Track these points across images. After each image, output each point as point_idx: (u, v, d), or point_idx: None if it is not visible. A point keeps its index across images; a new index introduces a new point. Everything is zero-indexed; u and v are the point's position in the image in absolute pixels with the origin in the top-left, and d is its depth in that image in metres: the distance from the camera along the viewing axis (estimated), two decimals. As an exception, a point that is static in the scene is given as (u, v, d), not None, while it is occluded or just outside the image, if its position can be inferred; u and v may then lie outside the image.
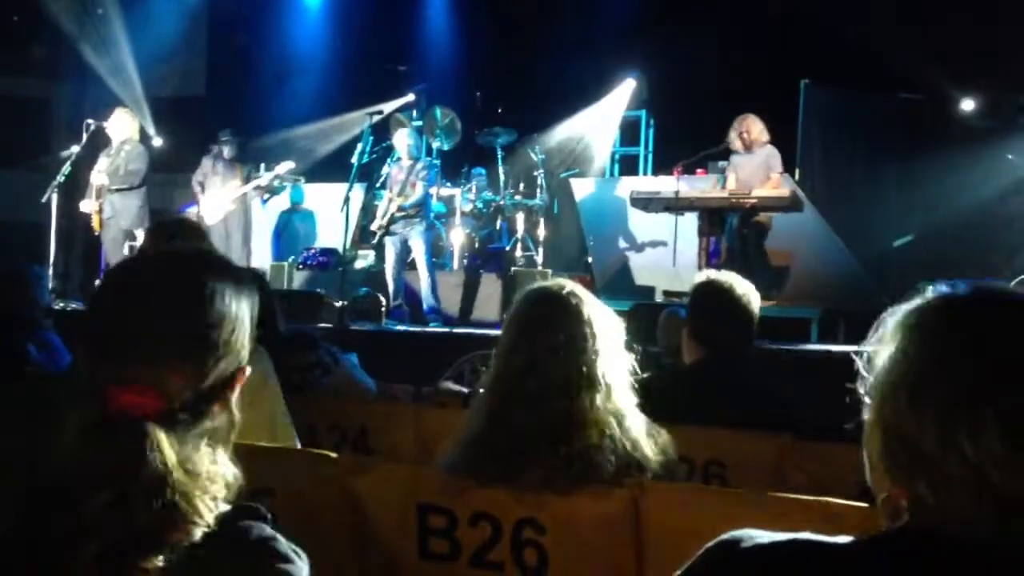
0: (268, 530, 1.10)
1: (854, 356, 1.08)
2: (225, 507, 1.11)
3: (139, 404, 1.09)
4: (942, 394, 0.97)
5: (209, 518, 1.08)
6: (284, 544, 1.10)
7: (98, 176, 8.06)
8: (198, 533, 1.07)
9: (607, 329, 2.00)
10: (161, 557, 1.04)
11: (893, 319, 1.04)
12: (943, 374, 0.98)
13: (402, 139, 8.06)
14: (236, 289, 1.19)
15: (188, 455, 1.10)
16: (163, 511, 1.04)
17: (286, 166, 8.83)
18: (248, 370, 1.21)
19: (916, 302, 1.04)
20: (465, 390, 4.25)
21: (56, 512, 1.04)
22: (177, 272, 1.18)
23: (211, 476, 1.10)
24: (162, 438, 1.07)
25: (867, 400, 1.06)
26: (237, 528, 1.09)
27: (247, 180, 8.69)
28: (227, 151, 8.73)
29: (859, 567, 1.00)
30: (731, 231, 7.31)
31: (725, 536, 1.08)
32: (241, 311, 1.19)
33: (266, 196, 9.72)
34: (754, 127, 7.24)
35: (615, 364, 1.98)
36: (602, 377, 1.92)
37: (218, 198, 8.59)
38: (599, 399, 1.91)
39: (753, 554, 1.03)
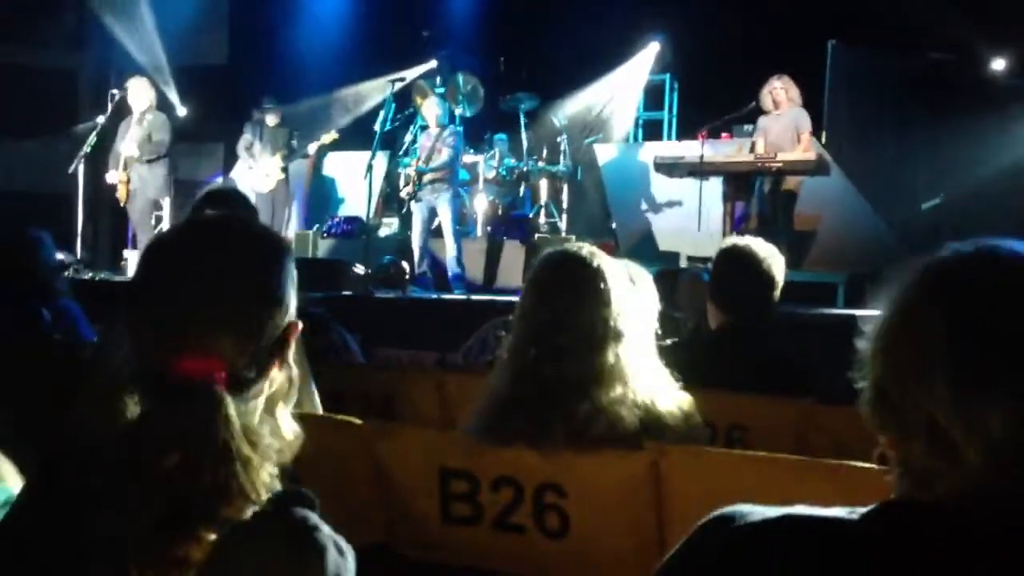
0: (314, 518, 1.09)
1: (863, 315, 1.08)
2: (277, 487, 1.11)
3: (203, 369, 1.10)
4: (908, 340, 0.98)
5: (264, 492, 1.08)
6: (327, 534, 1.08)
7: (127, 146, 8.10)
8: (250, 509, 1.07)
9: (627, 287, 2.02)
10: (215, 529, 1.04)
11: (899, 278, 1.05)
12: (906, 323, 0.99)
13: (431, 108, 8.04)
14: (278, 248, 1.21)
15: (251, 423, 1.11)
16: (224, 480, 1.05)
17: (331, 136, 8.83)
18: (300, 324, 1.22)
19: (917, 261, 1.05)
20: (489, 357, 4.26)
21: (107, 470, 1.05)
22: (221, 235, 1.20)
23: (273, 444, 1.12)
24: (229, 403, 1.09)
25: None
26: (288, 514, 1.08)
27: (290, 147, 8.73)
28: (270, 118, 8.77)
29: (854, 542, 0.99)
30: (761, 195, 7.25)
31: (716, 514, 1.07)
32: (285, 268, 1.20)
33: (318, 164, 9.78)
34: (791, 87, 7.15)
35: (637, 320, 2.00)
36: (624, 332, 1.94)
37: (266, 166, 8.64)
38: (623, 353, 1.93)
39: (746, 533, 1.02)
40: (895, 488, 1.01)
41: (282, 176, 8.69)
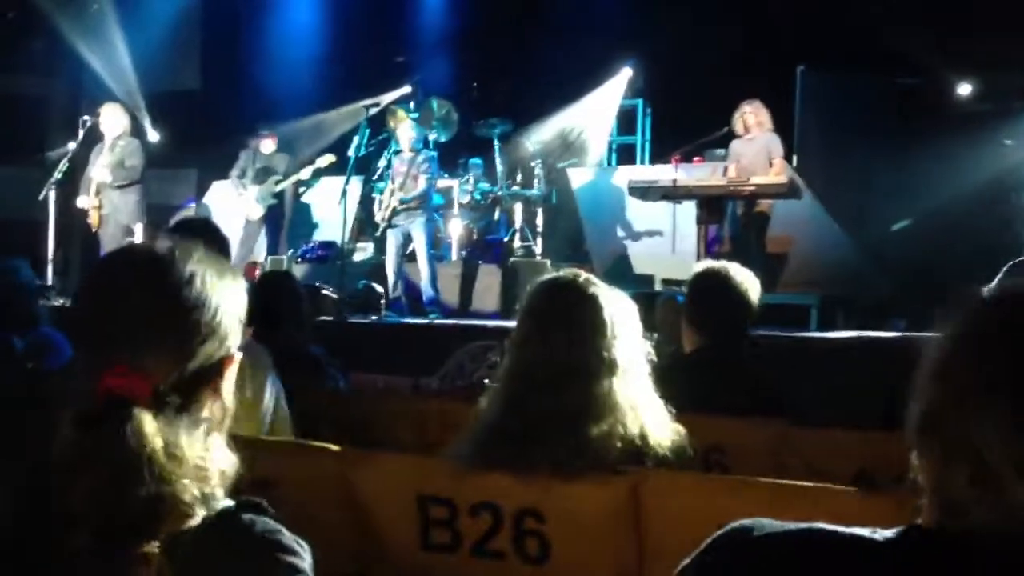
0: (272, 523, 1.11)
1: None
2: (228, 501, 1.12)
3: (124, 385, 1.10)
4: (964, 370, 0.97)
5: (200, 507, 1.09)
6: (288, 536, 1.11)
7: (99, 172, 8.05)
8: (193, 522, 1.08)
9: (622, 316, 2.01)
10: (156, 543, 1.05)
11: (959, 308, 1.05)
12: (970, 351, 0.98)
13: (405, 132, 8.06)
14: (217, 276, 1.20)
15: (176, 441, 1.11)
16: (151, 497, 1.06)
17: (327, 159, 8.82)
18: (238, 357, 1.22)
19: (975, 293, 1.05)
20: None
21: (51, 499, 1.07)
22: (153, 259, 1.20)
23: (201, 464, 1.12)
24: (146, 420, 1.09)
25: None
26: (240, 521, 1.10)
27: (286, 174, 8.69)
28: (265, 145, 8.75)
29: (882, 562, 0.98)
30: (733, 219, 7.31)
31: (735, 524, 1.06)
32: (222, 298, 1.19)
33: (301, 189, 9.75)
34: (761, 112, 7.24)
35: (632, 349, 1.99)
36: (619, 363, 1.93)
37: (257, 194, 8.60)
38: (615, 385, 1.92)
39: (765, 544, 1.02)
40: (925, 514, 1.00)
41: (274, 202, 8.67)
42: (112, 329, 1.15)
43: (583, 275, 2.03)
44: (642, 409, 1.95)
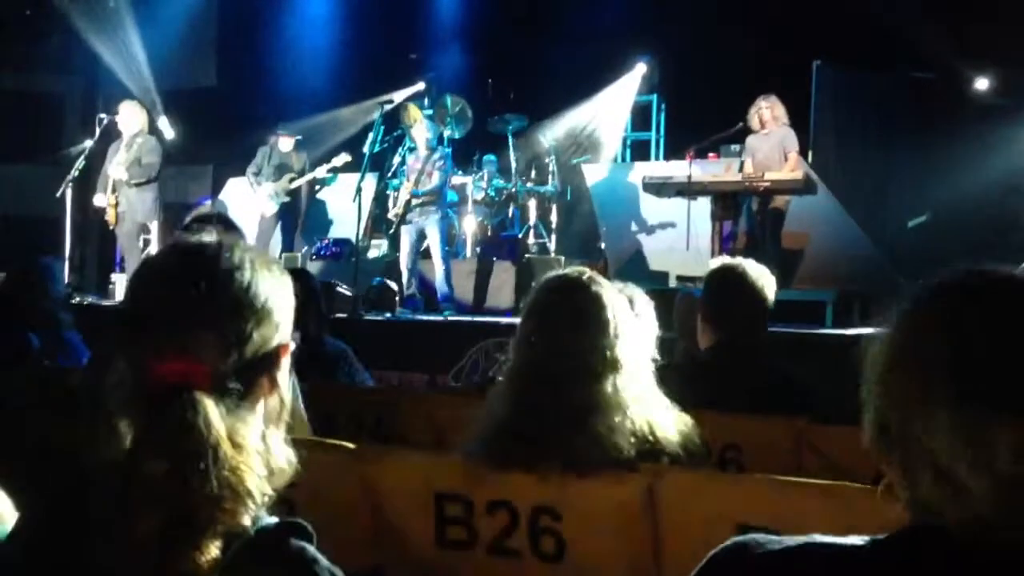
0: (311, 550, 1.08)
1: (861, 339, 1.07)
2: (270, 518, 1.10)
3: (182, 372, 1.09)
4: (910, 373, 0.97)
5: (253, 504, 1.07)
6: (326, 565, 1.08)
7: (115, 170, 8.09)
8: (247, 516, 1.06)
9: (627, 313, 2.01)
10: (219, 543, 1.03)
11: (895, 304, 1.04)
12: (906, 352, 0.98)
13: (420, 130, 8.07)
14: (265, 266, 1.20)
15: (237, 428, 1.09)
16: (218, 485, 1.04)
17: (343, 159, 8.85)
18: (293, 346, 1.22)
19: (910, 287, 1.04)
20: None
21: (103, 492, 1.04)
22: (200, 250, 1.20)
23: (263, 453, 1.10)
24: (210, 405, 1.08)
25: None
26: (282, 543, 1.07)
27: (302, 172, 8.75)
28: (283, 143, 8.80)
29: (873, 571, 0.98)
30: (748, 215, 7.28)
31: (732, 542, 1.06)
32: (272, 286, 1.19)
33: (317, 187, 9.80)
34: (777, 106, 7.21)
35: (636, 347, 1.99)
36: (623, 360, 1.93)
37: (271, 190, 8.67)
38: (620, 382, 1.92)
39: (764, 563, 1.01)
40: (909, 516, 0.99)
41: (288, 199, 8.72)
42: (161, 316, 1.13)
43: (587, 272, 2.03)
44: (647, 405, 1.96)
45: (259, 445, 1.11)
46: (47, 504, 1.10)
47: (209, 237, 1.21)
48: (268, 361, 1.17)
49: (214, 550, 1.03)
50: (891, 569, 0.97)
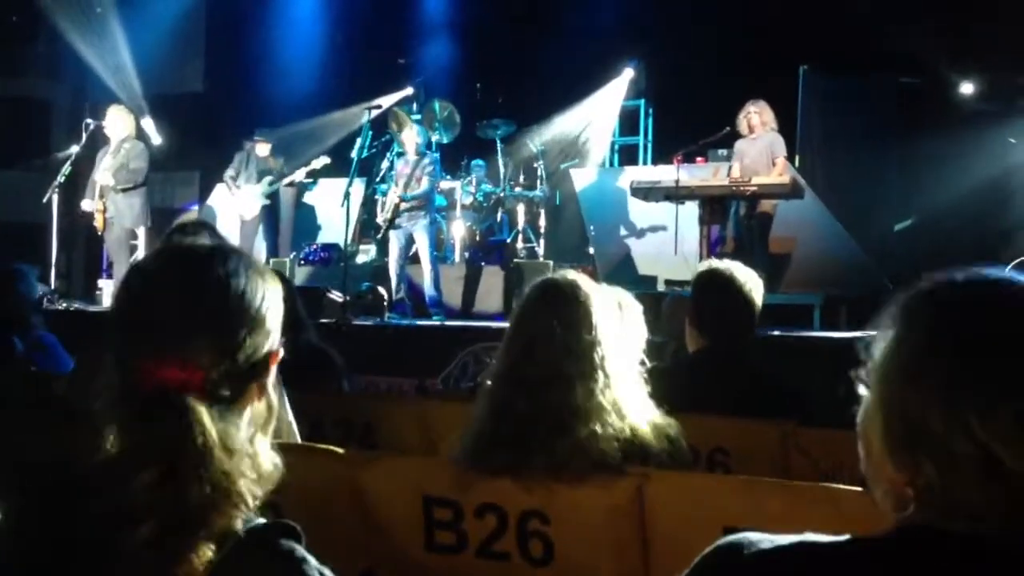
0: (301, 550, 1.10)
1: (856, 342, 1.07)
2: (260, 519, 1.11)
3: (177, 377, 1.09)
4: (946, 371, 0.95)
5: (244, 507, 1.08)
6: (315, 566, 1.09)
7: (103, 175, 8.06)
8: (237, 524, 1.07)
9: (613, 317, 2.01)
10: (212, 545, 1.03)
11: (894, 305, 1.03)
12: (947, 350, 0.96)
13: (409, 135, 8.07)
14: (257, 272, 1.21)
15: (229, 433, 1.10)
16: (210, 489, 1.05)
17: (321, 161, 8.84)
18: (282, 353, 1.22)
19: (917, 288, 1.03)
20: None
21: (94, 499, 1.04)
22: (195, 256, 1.21)
23: (252, 457, 1.11)
24: (203, 411, 1.08)
25: (866, 385, 1.04)
26: (271, 543, 1.08)
27: (281, 176, 8.75)
28: (260, 148, 8.80)
29: (866, 569, 0.98)
30: (736, 219, 7.31)
31: (724, 542, 1.06)
32: (264, 293, 1.20)
33: (301, 192, 9.79)
34: (765, 111, 7.25)
35: (621, 351, 1.99)
36: (608, 364, 1.93)
37: (250, 194, 8.66)
38: (605, 386, 1.92)
39: (755, 562, 1.01)
40: (914, 513, 0.98)
41: (266, 202, 8.71)
42: (158, 321, 1.13)
43: (573, 276, 2.03)
44: (633, 409, 1.96)
45: (248, 449, 1.12)
46: (33, 512, 1.10)
47: (200, 241, 1.21)
48: (259, 368, 1.18)
49: (208, 553, 1.03)
50: (886, 567, 0.97)
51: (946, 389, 0.95)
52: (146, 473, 1.03)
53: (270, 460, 1.14)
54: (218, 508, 1.05)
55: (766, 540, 1.03)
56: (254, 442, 1.14)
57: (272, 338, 1.20)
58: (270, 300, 1.20)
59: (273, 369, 1.20)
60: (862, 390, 1.05)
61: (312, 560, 1.09)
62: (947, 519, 0.95)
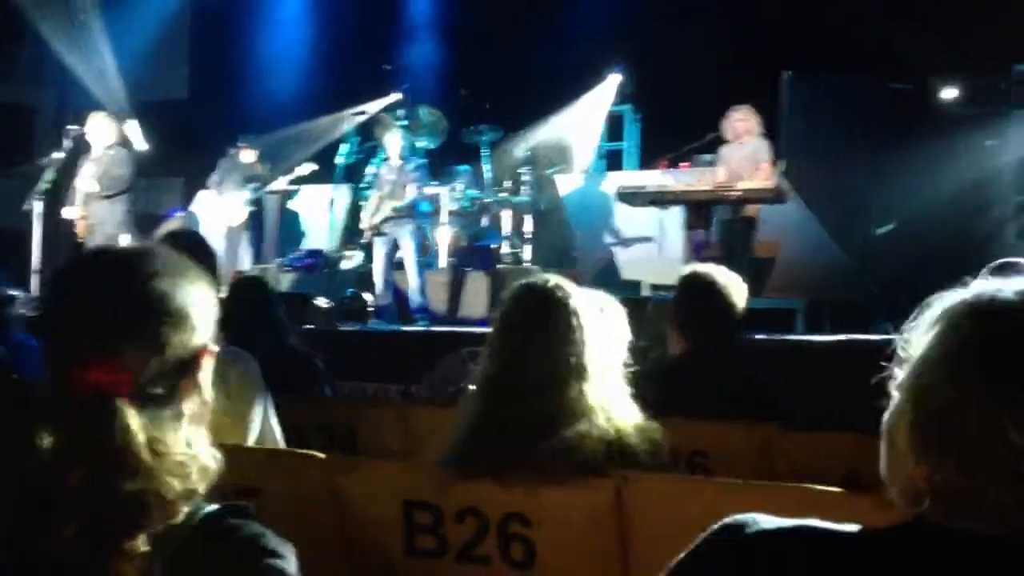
0: (257, 527, 1.12)
1: (896, 338, 1.05)
2: (213, 505, 1.13)
3: (106, 380, 1.10)
4: (987, 375, 0.96)
5: (184, 504, 1.10)
6: (273, 539, 1.12)
7: (86, 182, 8.02)
8: (178, 519, 1.09)
9: (595, 320, 2.01)
10: (143, 539, 1.06)
11: (938, 305, 1.03)
12: (989, 354, 0.97)
13: (395, 141, 8.07)
14: (182, 271, 1.22)
15: (160, 436, 1.12)
16: (137, 492, 1.07)
17: (307, 168, 8.81)
18: (214, 350, 1.23)
19: (959, 292, 1.03)
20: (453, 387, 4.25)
21: (34, 498, 1.07)
22: (118, 255, 1.23)
23: (184, 460, 1.12)
24: (131, 414, 1.10)
25: (898, 380, 1.04)
26: (226, 524, 1.11)
27: (266, 183, 8.72)
28: (244, 155, 8.76)
29: (869, 557, 0.98)
30: (720, 224, 7.34)
31: (728, 520, 1.07)
32: (189, 290, 1.21)
33: (287, 198, 9.76)
34: (751, 118, 7.27)
35: (603, 354, 1.99)
36: (589, 367, 1.94)
37: (235, 200, 8.62)
38: (587, 389, 1.93)
39: (758, 540, 1.02)
40: (927, 509, 0.99)
41: (252, 208, 8.68)
42: (85, 323, 1.15)
43: (555, 280, 2.03)
44: (615, 412, 1.96)
45: (183, 447, 1.14)
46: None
47: (127, 244, 1.23)
48: (189, 365, 1.19)
49: (141, 548, 1.06)
50: (889, 555, 0.98)
51: (985, 392, 0.95)
52: (72, 474, 1.06)
53: (208, 455, 1.16)
54: (149, 505, 1.07)
55: (770, 520, 1.04)
56: (191, 438, 1.16)
57: (200, 335, 1.21)
58: (195, 298, 1.21)
59: (207, 364, 1.22)
60: (892, 389, 1.05)
61: (270, 533, 1.11)
62: (963, 518, 0.96)
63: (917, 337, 1.02)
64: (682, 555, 1.08)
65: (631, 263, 8.74)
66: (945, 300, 1.03)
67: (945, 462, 0.96)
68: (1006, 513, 0.94)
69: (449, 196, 9.26)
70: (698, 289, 2.95)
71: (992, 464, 0.94)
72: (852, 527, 1.01)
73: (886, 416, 1.05)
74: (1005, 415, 0.93)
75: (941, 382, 0.98)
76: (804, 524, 1.03)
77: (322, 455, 2.11)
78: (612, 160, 10.73)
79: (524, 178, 9.63)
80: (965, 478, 0.95)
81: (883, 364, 1.06)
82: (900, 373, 1.04)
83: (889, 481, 1.05)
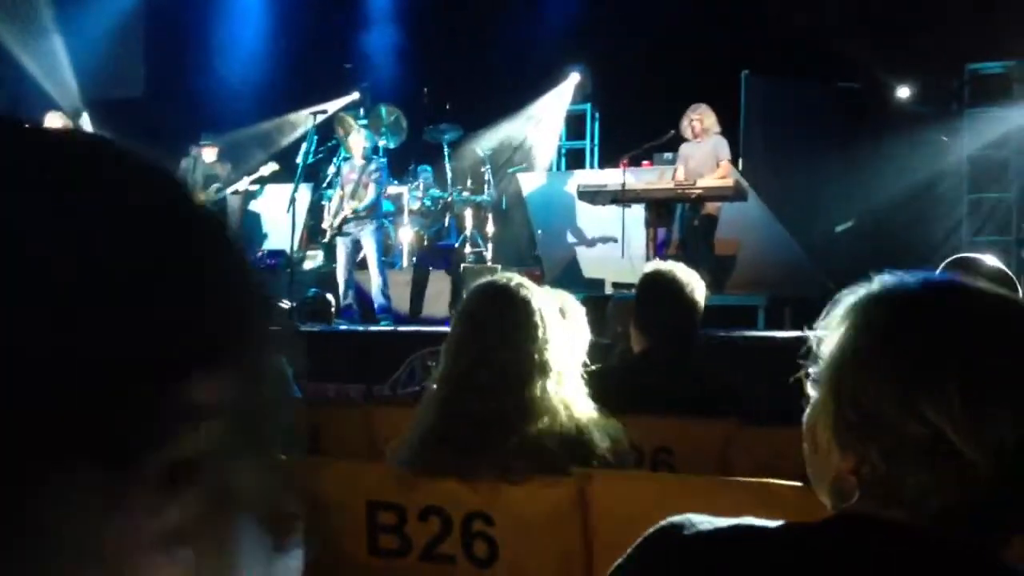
0: None
1: (807, 337, 1.07)
2: None
3: None
4: (899, 358, 0.98)
5: None
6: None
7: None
8: None
9: (555, 318, 2.02)
10: None
11: (846, 301, 1.05)
12: (900, 339, 0.99)
13: (358, 140, 8.02)
14: None
15: None
16: None
17: (269, 168, 8.71)
18: None
19: (866, 287, 1.05)
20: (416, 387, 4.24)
21: None
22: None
23: None
24: None
25: (814, 378, 1.05)
26: None
27: (229, 182, 8.60)
28: (207, 154, 8.64)
29: (800, 552, 0.99)
30: (682, 222, 7.39)
31: (664, 523, 1.07)
32: None
33: (248, 198, 9.64)
34: (707, 117, 7.33)
35: (564, 352, 2.00)
36: (551, 365, 1.94)
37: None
38: (549, 386, 1.93)
39: (694, 542, 1.03)
40: (856, 503, 1.00)
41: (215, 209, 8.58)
42: None
43: (516, 278, 2.04)
44: (576, 409, 1.97)
45: None
46: None
47: None
48: None
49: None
50: (822, 549, 0.99)
51: (900, 376, 0.97)
52: None
53: None
54: None
55: (706, 521, 1.05)
56: None
57: None
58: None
59: None
60: (809, 387, 1.07)
61: None
62: (886, 507, 0.97)
63: (830, 333, 1.04)
64: (620, 559, 1.08)
65: (593, 261, 8.77)
66: (853, 295, 1.05)
67: (870, 452, 0.98)
68: (927, 497, 0.96)
69: (411, 195, 9.23)
70: (658, 287, 2.97)
71: (914, 446, 0.95)
72: (785, 523, 1.02)
73: (806, 415, 1.07)
74: (921, 395, 0.95)
75: (858, 372, 1.00)
76: (739, 524, 1.03)
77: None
78: (574, 159, 10.76)
79: (486, 177, 9.63)
80: (889, 465, 0.97)
81: (799, 362, 1.08)
82: (816, 370, 1.05)
83: (815, 480, 1.06)
